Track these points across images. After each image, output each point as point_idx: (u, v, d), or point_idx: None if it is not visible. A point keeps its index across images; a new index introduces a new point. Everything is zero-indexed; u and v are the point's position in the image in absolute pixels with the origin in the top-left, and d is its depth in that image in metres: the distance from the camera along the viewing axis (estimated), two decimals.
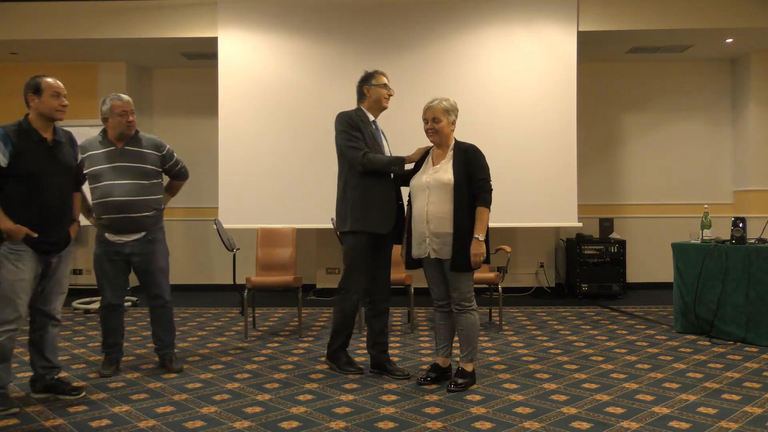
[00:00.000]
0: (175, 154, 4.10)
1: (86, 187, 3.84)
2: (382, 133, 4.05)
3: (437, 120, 3.56)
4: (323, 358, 4.13)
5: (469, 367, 3.61)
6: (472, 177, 3.51)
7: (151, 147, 3.96)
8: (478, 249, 3.45)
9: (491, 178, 3.58)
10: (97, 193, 3.83)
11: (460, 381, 3.55)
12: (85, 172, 3.76)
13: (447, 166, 3.55)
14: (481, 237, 3.46)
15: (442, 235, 3.50)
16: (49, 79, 3.32)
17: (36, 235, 3.22)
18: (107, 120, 3.85)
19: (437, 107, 3.58)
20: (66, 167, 3.39)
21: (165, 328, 4.06)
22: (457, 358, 3.68)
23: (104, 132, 3.89)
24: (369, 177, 3.79)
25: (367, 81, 3.98)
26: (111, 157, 3.83)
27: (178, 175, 4.17)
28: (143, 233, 3.89)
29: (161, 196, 4.03)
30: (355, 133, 3.82)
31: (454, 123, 3.63)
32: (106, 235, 3.86)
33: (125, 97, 3.87)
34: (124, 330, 4.04)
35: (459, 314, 3.57)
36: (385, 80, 3.98)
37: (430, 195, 3.53)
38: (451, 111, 3.61)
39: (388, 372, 3.85)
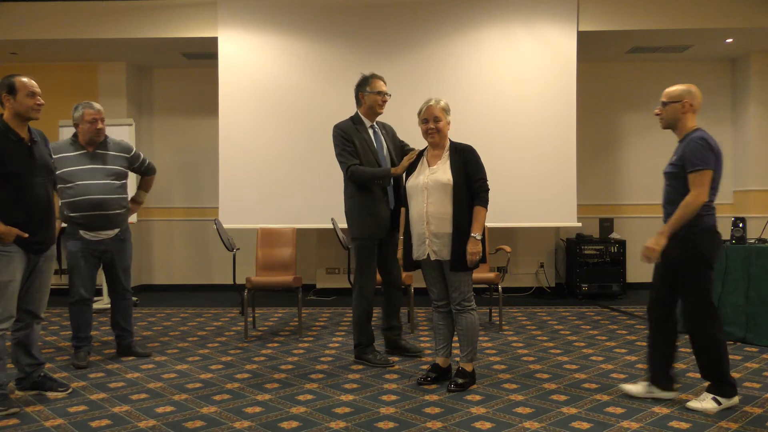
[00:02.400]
0: (141, 154, 4.39)
1: None
2: (383, 137, 4.15)
3: (438, 119, 3.57)
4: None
5: (469, 367, 3.61)
6: (471, 177, 3.53)
7: (120, 150, 4.25)
8: (474, 248, 3.46)
9: (488, 178, 3.60)
10: (70, 193, 4.03)
11: (460, 381, 3.55)
12: (57, 173, 3.92)
13: (444, 167, 3.55)
14: (478, 236, 3.47)
15: (442, 235, 3.51)
16: (24, 79, 3.32)
17: (27, 236, 3.23)
18: (78, 125, 4.10)
19: (437, 107, 3.58)
20: (46, 166, 3.41)
21: (127, 318, 4.36)
22: (457, 358, 3.68)
23: (75, 136, 4.14)
24: (360, 186, 4.03)
25: (361, 87, 4.11)
26: (83, 159, 4.10)
27: (147, 171, 4.44)
28: (117, 230, 4.16)
29: (126, 196, 4.29)
30: (346, 147, 4.04)
31: (449, 123, 3.64)
32: (81, 232, 4.06)
33: (96, 105, 4.14)
34: (92, 323, 4.25)
35: (459, 314, 3.57)
36: (379, 86, 4.08)
37: (429, 196, 3.53)
38: (448, 110, 3.63)
39: (403, 349, 4.29)
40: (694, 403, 3.19)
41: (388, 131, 4.27)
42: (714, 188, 3.17)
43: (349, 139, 4.04)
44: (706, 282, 3.17)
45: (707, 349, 3.18)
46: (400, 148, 4.28)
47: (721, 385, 3.17)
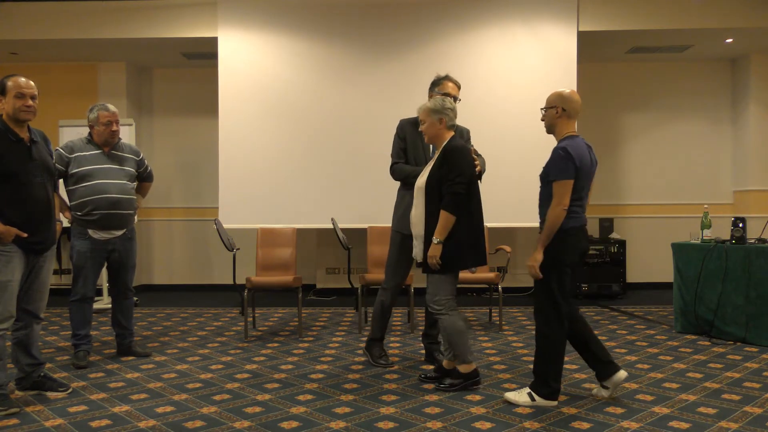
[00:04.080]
0: (145, 159, 4.47)
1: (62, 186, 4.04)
2: None
3: (422, 122, 3.58)
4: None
5: (463, 368, 3.54)
6: (444, 178, 3.42)
7: (131, 153, 4.33)
8: (431, 252, 3.40)
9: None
10: (86, 191, 4.06)
11: (446, 380, 3.56)
12: (73, 171, 4.05)
13: (429, 168, 3.54)
14: (436, 240, 3.38)
15: (420, 237, 3.53)
16: (21, 79, 3.27)
17: (26, 236, 3.23)
18: (93, 127, 4.16)
19: (420, 108, 3.60)
20: (46, 166, 3.40)
21: (129, 317, 4.39)
22: None
23: (90, 136, 4.19)
24: (405, 183, 4.05)
25: (432, 87, 4.08)
26: (100, 158, 4.15)
27: (148, 178, 4.51)
28: (124, 230, 4.21)
29: (135, 197, 4.37)
30: (396, 143, 4.08)
31: (441, 122, 3.51)
32: (90, 232, 4.09)
33: (112, 107, 4.18)
34: (91, 321, 4.27)
35: (436, 316, 3.57)
36: (447, 88, 3.99)
37: (416, 197, 3.56)
38: (437, 111, 3.51)
39: (436, 360, 4.03)
40: (510, 394, 3.33)
41: (463, 135, 4.04)
42: (579, 192, 3.24)
43: (403, 137, 4.05)
44: (554, 283, 3.21)
45: (541, 348, 3.27)
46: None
47: (541, 385, 3.27)
